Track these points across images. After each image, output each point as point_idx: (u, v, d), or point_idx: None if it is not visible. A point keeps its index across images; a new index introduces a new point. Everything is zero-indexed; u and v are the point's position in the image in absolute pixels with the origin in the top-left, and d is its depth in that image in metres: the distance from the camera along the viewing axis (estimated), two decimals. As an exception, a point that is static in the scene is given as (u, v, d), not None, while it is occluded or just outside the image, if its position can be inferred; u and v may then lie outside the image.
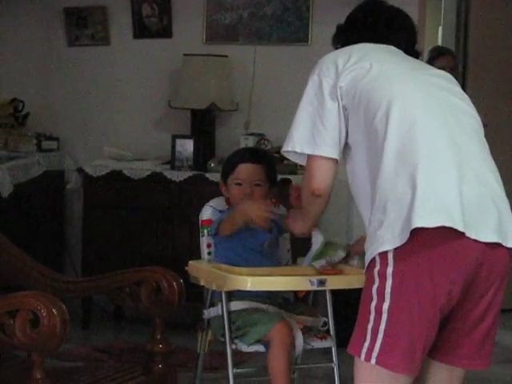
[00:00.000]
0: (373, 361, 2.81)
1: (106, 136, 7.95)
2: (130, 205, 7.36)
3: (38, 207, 7.65)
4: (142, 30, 8.08)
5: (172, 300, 3.91)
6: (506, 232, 2.85)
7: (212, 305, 4.27)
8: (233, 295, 4.14)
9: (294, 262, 4.60)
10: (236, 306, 4.16)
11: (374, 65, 3.09)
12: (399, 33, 3.43)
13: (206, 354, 4.45)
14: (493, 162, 3.05)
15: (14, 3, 8.29)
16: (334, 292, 4.29)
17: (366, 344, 2.83)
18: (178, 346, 4.14)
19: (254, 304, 4.18)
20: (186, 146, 7.45)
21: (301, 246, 4.59)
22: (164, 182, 7.31)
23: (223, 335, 4.13)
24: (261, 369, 4.30)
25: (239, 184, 4.32)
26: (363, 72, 3.06)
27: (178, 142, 7.48)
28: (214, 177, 6.91)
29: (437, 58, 7.03)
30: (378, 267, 2.85)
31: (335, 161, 3.09)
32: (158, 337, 3.92)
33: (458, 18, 8.66)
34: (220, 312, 4.13)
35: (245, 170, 4.36)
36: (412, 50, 3.44)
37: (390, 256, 2.81)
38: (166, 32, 8.02)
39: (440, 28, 8.82)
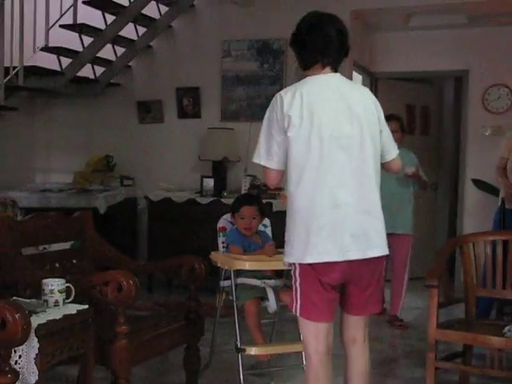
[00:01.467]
0: (297, 313, 3.10)
1: (161, 176, 7.93)
2: (176, 218, 7.37)
3: (121, 220, 7.67)
4: (182, 114, 8.09)
5: (201, 274, 3.92)
6: (366, 250, 3.01)
7: (226, 278, 4.28)
8: (240, 272, 4.15)
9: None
10: (240, 281, 4.18)
11: (303, 124, 2.95)
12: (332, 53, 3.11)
13: (221, 307, 4.45)
14: (377, 199, 3.09)
15: (106, 97, 8.31)
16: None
17: (294, 304, 3.09)
18: (205, 302, 4.12)
19: (249, 281, 4.20)
20: (209, 183, 7.46)
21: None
22: (196, 204, 7.33)
23: (231, 296, 4.17)
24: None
25: (243, 218, 4.35)
26: (295, 129, 2.96)
27: (204, 180, 7.49)
28: (226, 201, 6.92)
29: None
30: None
31: (283, 170, 3.13)
32: (193, 297, 3.92)
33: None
34: (230, 283, 4.16)
35: (246, 210, 4.37)
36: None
37: None
38: (197, 115, 8.02)
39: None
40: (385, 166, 3.25)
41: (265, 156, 3.11)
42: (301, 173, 2.98)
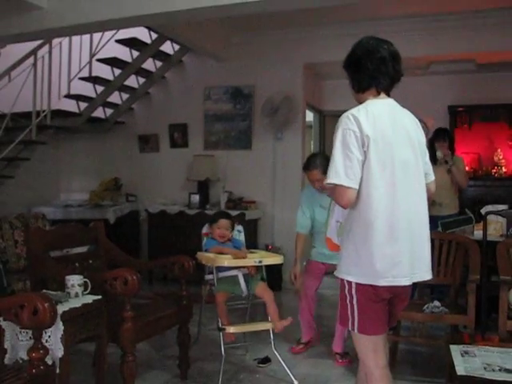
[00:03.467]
0: (356, 331, 2.49)
1: (157, 193, 7.92)
2: (170, 226, 7.33)
3: (127, 228, 7.63)
4: (174, 144, 8.06)
5: (189, 270, 3.89)
6: (424, 272, 2.50)
7: (209, 273, 4.28)
8: (220, 268, 4.11)
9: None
10: (221, 274, 4.16)
11: (378, 146, 2.39)
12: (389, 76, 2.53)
13: (206, 296, 4.46)
14: (428, 229, 2.56)
15: (114, 133, 8.31)
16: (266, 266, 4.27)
17: (350, 321, 2.49)
18: (193, 292, 4.12)
19: (229, 273, 4.17)
20: (195, 198, 7.46)
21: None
22: (185, 215, 7.29)
23: (214, 287, 4.17)
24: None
25: (219, 228, 4.33)
26: (373, 150, 2.38)
27: (192, 196, 7.48)
28: (209, 212, 6.94)
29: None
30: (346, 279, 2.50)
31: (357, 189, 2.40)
32: (183, 288, 3.91)
33: (319, 138, 8.73)
34: (213, 277, 4.15)
35: (223, 222, 4.35)
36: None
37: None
38: (185, 145, 8.00)
39: (312, 141, 8.85)
40: None
41: (344, 176, 2.38)
42: (379, 197, 2.40)
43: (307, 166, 4.35)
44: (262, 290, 4.20)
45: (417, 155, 2.52)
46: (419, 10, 6.45)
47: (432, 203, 5.58)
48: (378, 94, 2.55)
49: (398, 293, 2.50)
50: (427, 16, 6.60)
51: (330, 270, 4.25)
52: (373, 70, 2.50)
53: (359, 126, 2.38)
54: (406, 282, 2.43)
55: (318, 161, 4.28)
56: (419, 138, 2.58)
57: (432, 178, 2.69)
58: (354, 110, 2.45)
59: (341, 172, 2.38)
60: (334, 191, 2.44)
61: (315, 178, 4.32)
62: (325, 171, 3.91)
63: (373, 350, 2.51)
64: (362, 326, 2.47)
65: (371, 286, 2.42)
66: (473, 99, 7.60)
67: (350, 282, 2.47)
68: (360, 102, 2.55)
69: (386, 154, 2.41)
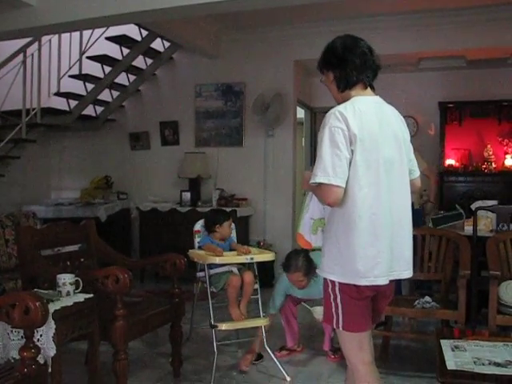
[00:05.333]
0: (341, 328, 2.46)
1: (148, 191, 7.93)
2: (161, 224, 7.33)
3: (118, 226, 7.63)
4: (165, 141, 8.07)
5: (181, 268, 3.90)
6: (403, 271, 2.47)
7: (201, 270, 4.29)
8: (213, 265, 4.15)
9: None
10: (213, 271, 4.21)
11: (364, 144, 2.34)
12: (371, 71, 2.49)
13: (198, 293, 4.46)
14: (411, 223, 2.53)
15: (105, 130, 8.30)
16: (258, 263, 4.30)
17: (334, 319, 2.46)
18: (185, 289, 4.12)
19: (219, 269, 4.21)
20: (187, 195, 7.46)
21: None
22: (176, 212, 7.29)
23: (206, 284, 4.17)
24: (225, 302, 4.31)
25: (224, 229, 4.39)
26: (360, 148, 2.33)
27: (183, 193, 7.49)
28: (201, 209, 6.95)
29: None
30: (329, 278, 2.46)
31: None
32: (175, 285, 3.91)
33: (310, 135, 8.75)
34: (204, 274, 4.17)
35: (227, 223, 4.40)
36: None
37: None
38: (176, 142, 8.01)
39: (303, 138, 8.87)
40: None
41: (333, 174, 2.30)
42: (363, 196, 2.35)
43: (288, 268, 4.11)
44: (247, 274, 4.27)
45: (401, 153, 2.49)
46: (409, 7, 6.48)
47: None
48: (365, 88, 2.50)
49: (380, 290, 2.48)
50: (417, 13, 6.63)
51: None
52: (359, 64, 2.44)
53: (347, 123, 2.32)
54: (383, 281, 2.40)
55: (300, 263, 4.06)
56: (404, 135, 2.55)
57: (417, 174, 2.66)
58: (340, 107, 2.39)
59: (329, 170, 2.30)
60: (320, 190, 2.36)
61: (296, 280, 4.12)
62: (306, 272, 4.04)
63: (358, 347, 2.49)
64: (347, 323, 2.45)
65: (353, 284, 2.40)
66: (463, 95, 7.62)
67: (333, 281, 2.44)
68: (343, 101, 2.47)
69: (371, 153, 2.36)
